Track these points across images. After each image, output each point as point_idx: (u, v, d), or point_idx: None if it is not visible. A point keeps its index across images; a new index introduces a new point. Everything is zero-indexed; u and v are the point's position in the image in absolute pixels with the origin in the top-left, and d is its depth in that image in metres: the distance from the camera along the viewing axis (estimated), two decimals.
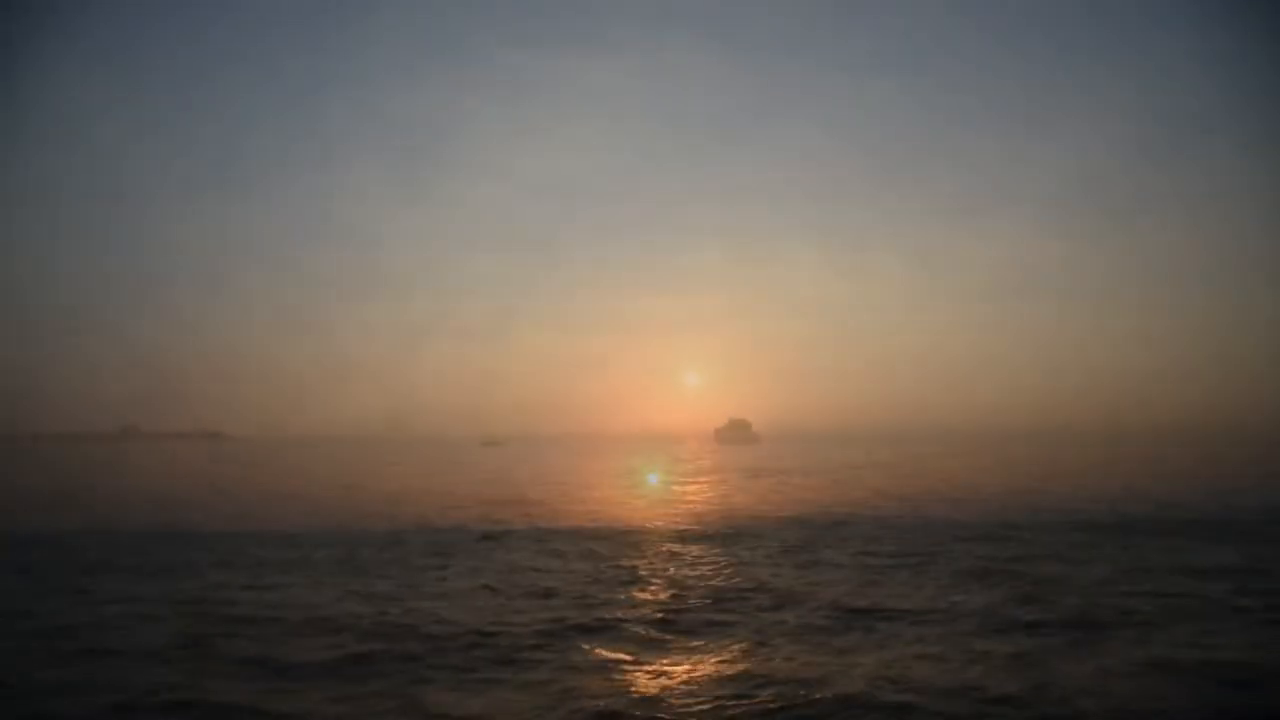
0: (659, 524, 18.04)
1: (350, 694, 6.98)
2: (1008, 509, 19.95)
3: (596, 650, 8.18)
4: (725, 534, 16.14)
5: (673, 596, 10.48)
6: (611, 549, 14.50)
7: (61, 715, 6.56)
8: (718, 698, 6.78)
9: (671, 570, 12.42)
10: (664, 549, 14.62)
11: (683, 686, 7.10)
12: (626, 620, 9.32)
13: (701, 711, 6.53)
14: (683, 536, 16.05)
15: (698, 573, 12.16)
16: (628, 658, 7.93)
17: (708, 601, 10.15)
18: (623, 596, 10.54)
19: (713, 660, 7.84)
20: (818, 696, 6.65)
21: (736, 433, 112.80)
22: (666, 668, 7.61)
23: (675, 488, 29.79)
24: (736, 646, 8.24)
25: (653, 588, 11.14)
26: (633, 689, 7.06)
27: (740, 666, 7.53)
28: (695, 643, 8.45)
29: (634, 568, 12.58)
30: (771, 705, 6.60)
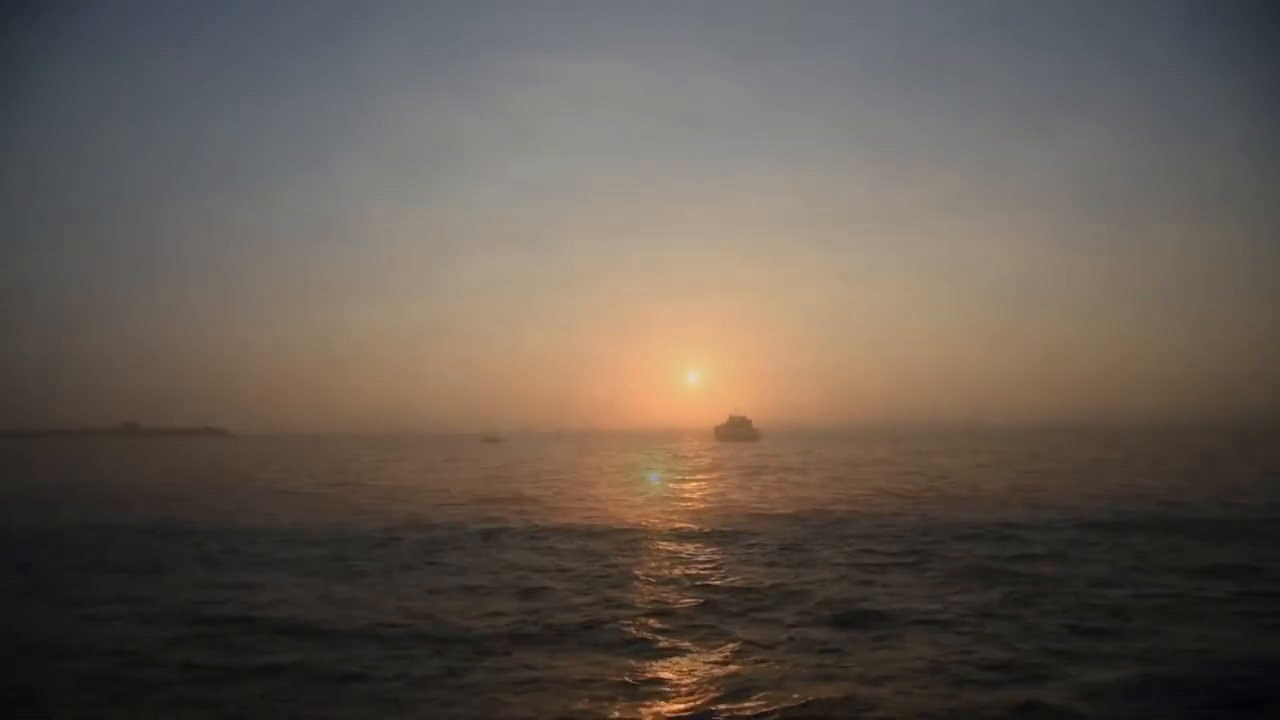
0: (655, 522, 17.89)
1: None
2: (1006, 506, 19.78)
3: (560, 655, 7.84)
4: (720, 532, 15.98)
5: (656, 600, 10.22)
6: (605, 547, 14.34)
7: None
8: (683, 710, 6.45)
9: (662, 569, 12.27)
10: (657, 547, 14.48)
11: (647, 696, 6.75)
12: (606, 622, 9.05)
13: None
14: (677, 535, 15.91)
15: (689, 572, 12.00)
16: (598, 663, 7.62)
17: (694, 602, 9.95)
18: (608, 596, 10.34)
19: (688, 666, 7.57)
20: (803, 702, 6.44)
21: (737, 430, 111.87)
22: (640, 673, 7.35)
23: (673, 485, 29.64)
24: (719, 652, 8.01)
25: (640, 587, 10.96)
26: (590, 698, 6.68)
27: (725, 670, 7.35)
28: (672, 645, 8.21)
29: (624, 566, 12.42)
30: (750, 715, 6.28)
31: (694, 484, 29.88)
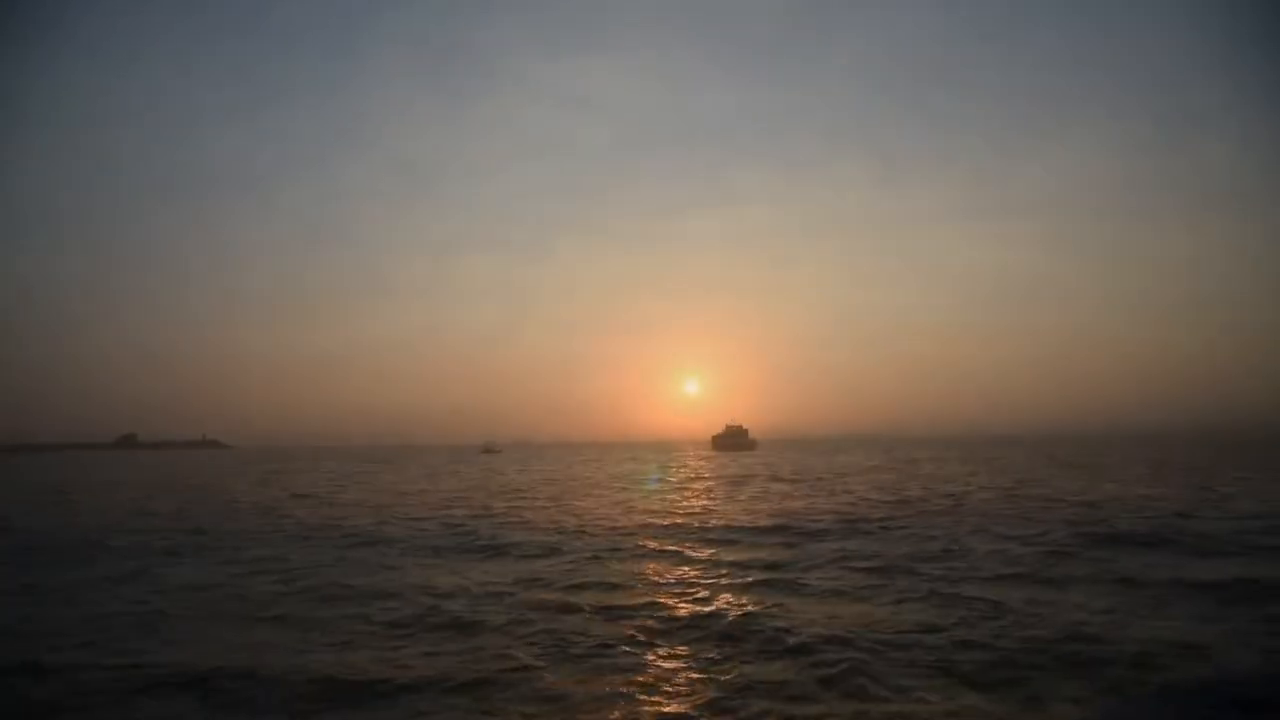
0: (626, 539, 16.94)
1: None
2: (992, 516, 18.89)
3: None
4: (695, 546, 15.09)
5: (588, 623, 9.41)
6: (560, 568, 13.43)
7: None
8: None
9: (614, 594, 11.36)
10: (619, 568, 13.56)
11: None
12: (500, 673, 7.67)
13: None
14: (645, 551, 14.99)
15: (641, 598, 11.09)
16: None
17: (640, 630, 9.08)
18: (527, 630, 9.27)
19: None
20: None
21: (733, 439, 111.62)
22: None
23: (659, 496, 28.70)
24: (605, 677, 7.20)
25: (570, 618, 9.95)
26: None
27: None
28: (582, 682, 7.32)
29: (563, 589, 11.48)
30: None
31: (676, 496, 28.95)
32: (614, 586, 11.55)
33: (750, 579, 11.98)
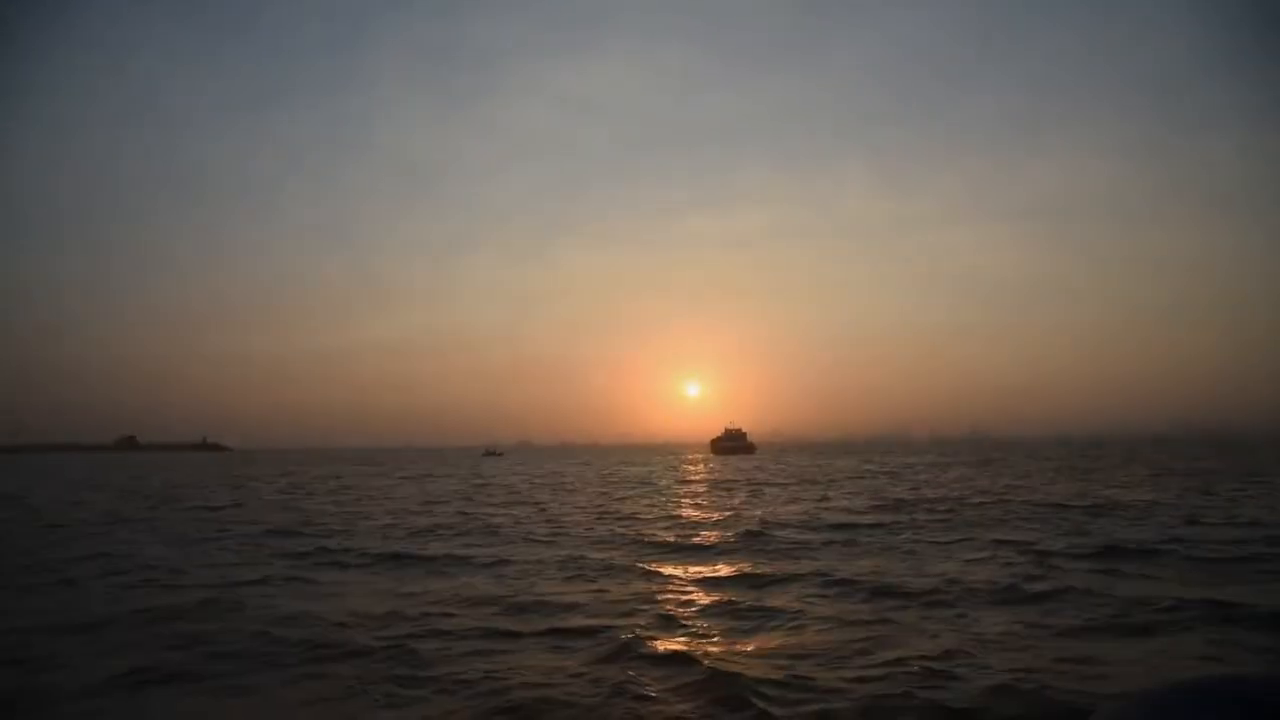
0: (591, 550, 15.38)
1: None
2: (975, 525, 17.29)
3: None
4: (660, 561, 13.52)
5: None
6: (498, 584, 11.90)
7: None
8: None
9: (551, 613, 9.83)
10: (573, 587, 12.02)
11: None
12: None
13: None
14: (608, 566, 13.40)
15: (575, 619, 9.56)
16: None
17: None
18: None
19: None
20: None
21: (732, 443, 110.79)
22: None
23: (644, 500, 27.14)
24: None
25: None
26: None
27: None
28: None
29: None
30: None
31: (649, 501, 27.39)
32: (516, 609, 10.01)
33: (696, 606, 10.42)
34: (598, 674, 7.05)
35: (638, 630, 8.52)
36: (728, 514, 22.06)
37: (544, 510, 24.39)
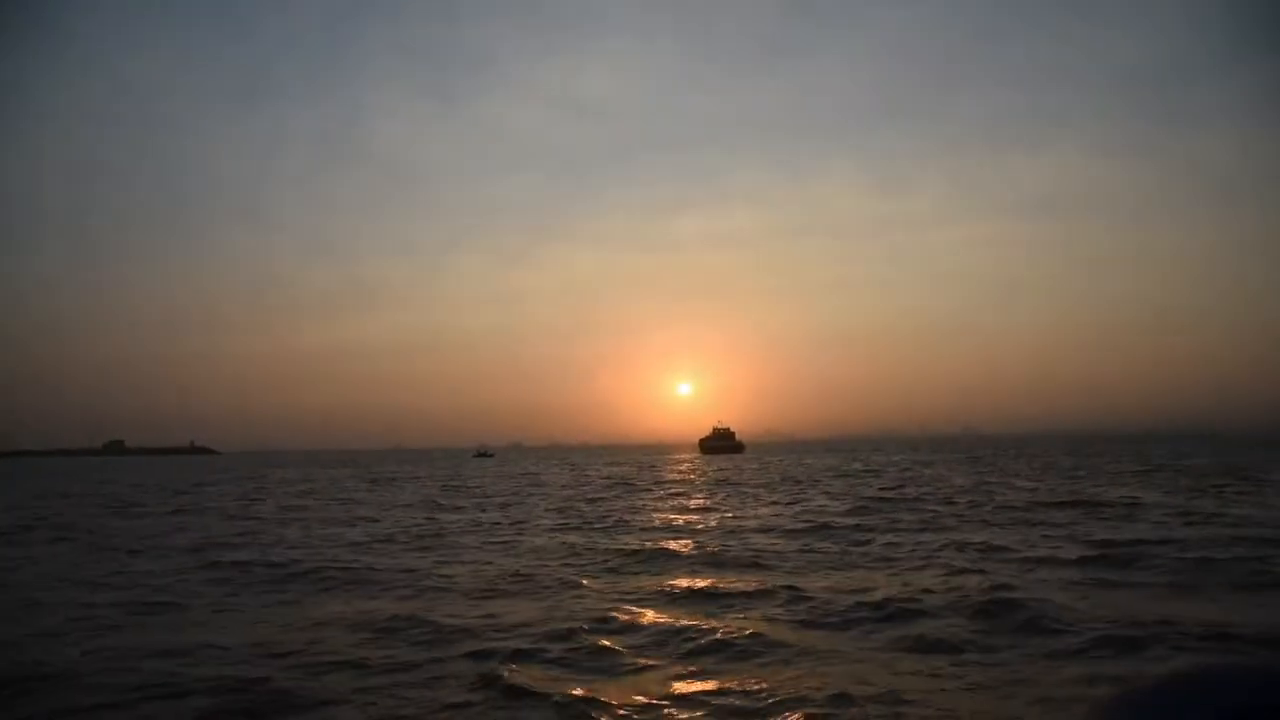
0: (530, 561, 14.12)
1: None
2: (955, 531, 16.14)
3: None
4: (600, 574, 12.28)
5: None
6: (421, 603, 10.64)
7: None
8: None
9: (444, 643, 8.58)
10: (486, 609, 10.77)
11: None
12: None
13: None
14: (536, 581, 12.15)
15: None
16: None
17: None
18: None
19: None
20: None
21: (720, 442, 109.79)
22: None
23: (611, 503, 25.86)
24: None
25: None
26: None
27: None
28: None
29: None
30: None
31: (618, 504, 26.14)
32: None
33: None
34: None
35: (510, 664, 7.32)
36: (691, 518, 20.83)
37: (506, 512, 23.14)
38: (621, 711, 6.12)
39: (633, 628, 8.74)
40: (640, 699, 6.39)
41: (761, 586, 10.78)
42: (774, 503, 25.05)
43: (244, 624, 9.32)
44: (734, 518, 20.66)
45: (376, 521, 21.53)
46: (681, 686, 6.70)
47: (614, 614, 9.32)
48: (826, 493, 28.51)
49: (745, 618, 9.09)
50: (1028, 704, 6.13)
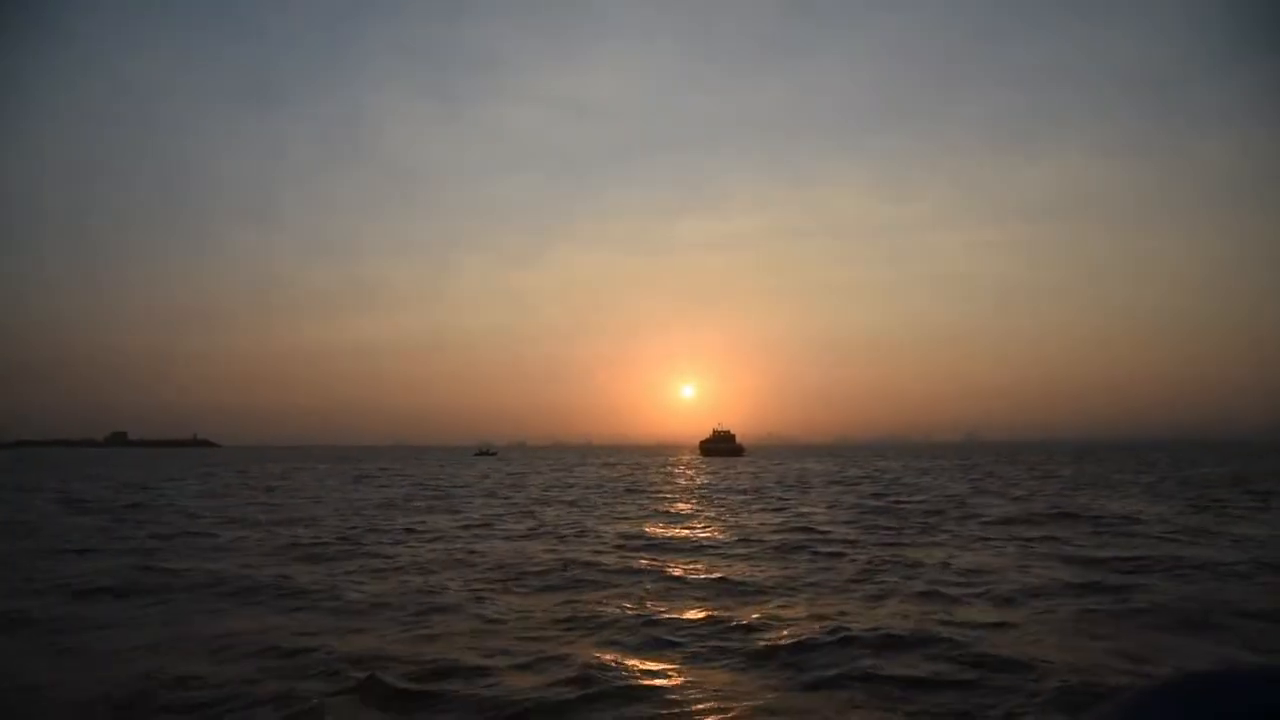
0: (445, 575, 12.80)
1: None
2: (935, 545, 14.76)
3: None
4: (506, 592, 10.96)
5: None
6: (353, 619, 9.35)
7: None
8: None
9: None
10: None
11: None
12: None
13: None
14: (432, 601, 10.85)
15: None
16: None
17: None
18: None
19: None
20: None
21: (719, 444, 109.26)
22: None
23: (574, 508, 24.55)
24: None
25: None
26: None
27: None
28: None
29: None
30: None
31: (591, 511, 24.83)
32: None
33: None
34: None
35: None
36: (657, 530, 19.48)
37: (458, 516, 21.83)
38: None
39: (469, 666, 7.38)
40: None
41: (624, 613, 9.41)
42: (736, 510, 23.69)
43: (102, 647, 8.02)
44: (698, 527, 19.31)
45: (340, 518, 20.23)
46: None
47: (466, 643, 7.97)
48: (808, 501, 27.12)
49: (597, 642, 7.74)
50: None
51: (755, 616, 9.16)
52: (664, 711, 6.06)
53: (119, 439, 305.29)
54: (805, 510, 23.29)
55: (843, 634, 8.20)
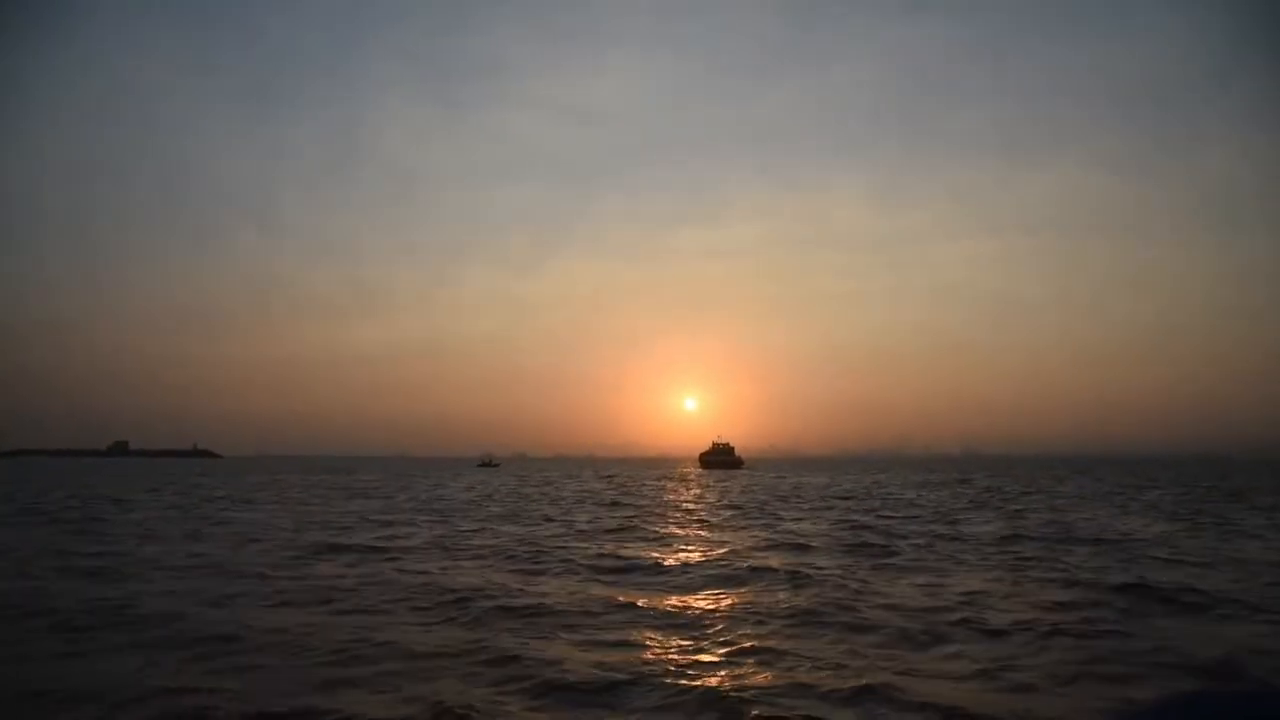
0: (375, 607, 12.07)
1: None
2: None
3: None
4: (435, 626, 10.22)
5: None
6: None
7: None
8: None
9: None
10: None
11: None
12: None
13: None
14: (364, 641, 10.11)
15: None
16: None
17: None
18: None
19: None
20: None
21: (719, 457, 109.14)
22: None
23: (552, 524, 23.79)
24: None
25: None
26: None
27: None
28: None
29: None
30: None
31: (580, 523, 24.08)
32: None
33: None
34: None
35: None
36: (627, 550, 18.73)
37: (433, 529, 21.09)
38: None
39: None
40: None
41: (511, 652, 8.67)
42: (720, 527, 22.91)
43: None
44: (668, 553, 18.56)
45: (314, 532, 19.51)
46: None
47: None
48: (789, 518, 26.34)
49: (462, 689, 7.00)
50: None
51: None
52: None
53: (120, 448, 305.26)
54: (784, 531, 22.51)
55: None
